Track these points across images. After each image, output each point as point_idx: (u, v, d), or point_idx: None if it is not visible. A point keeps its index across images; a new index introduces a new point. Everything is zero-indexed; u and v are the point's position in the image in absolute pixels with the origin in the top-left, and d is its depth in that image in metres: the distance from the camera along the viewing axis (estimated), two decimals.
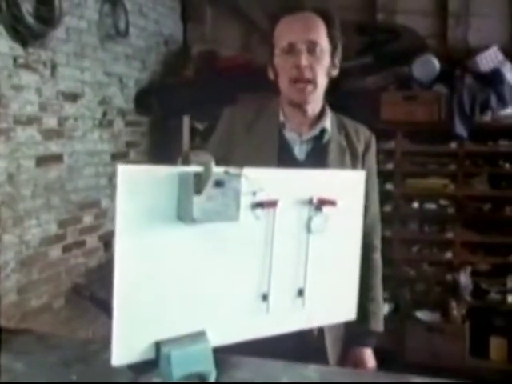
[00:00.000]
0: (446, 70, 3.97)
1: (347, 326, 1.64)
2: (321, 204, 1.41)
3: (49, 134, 3.15)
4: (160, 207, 1.19)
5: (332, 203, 1.42)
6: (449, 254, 3.97)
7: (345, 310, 1.55)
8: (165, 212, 1.20)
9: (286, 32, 1.60)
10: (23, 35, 2.84)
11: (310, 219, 1.41)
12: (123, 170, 1.15)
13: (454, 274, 3.88)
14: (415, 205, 4.02)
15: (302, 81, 1.60)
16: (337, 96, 3.95)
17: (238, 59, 4.44)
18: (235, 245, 1.31)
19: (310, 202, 1.40)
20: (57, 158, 3.22)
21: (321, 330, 1.66)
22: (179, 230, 1.21)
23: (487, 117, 3.81)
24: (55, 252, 3.18)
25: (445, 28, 4.43)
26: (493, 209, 3.87)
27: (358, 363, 1.75)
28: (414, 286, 4.03)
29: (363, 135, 1.78)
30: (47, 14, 2.92)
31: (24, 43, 2.89)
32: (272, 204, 1.34)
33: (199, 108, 4.19)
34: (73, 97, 3.37)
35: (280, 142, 1.67)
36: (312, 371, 1.32)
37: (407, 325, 3.91)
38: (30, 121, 3.00)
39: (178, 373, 1.19)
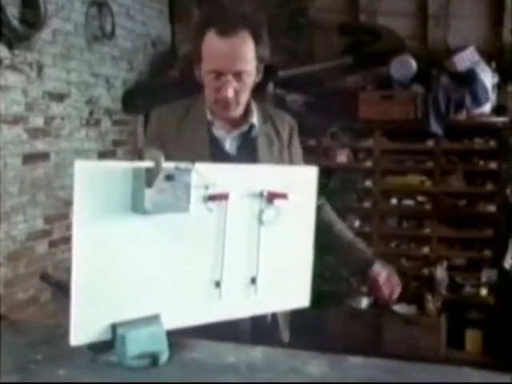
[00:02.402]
0: (423, 70, 4.08)
1: None
2: (272, 197, 1.52)
3: (35, 133, 3.27)
4: (115, 199, 1.30)
5: (283, 196, 1.53)
6: (426, 249, 4.09)
7: (298, 297, 1.66)
8: (120, 204, 1.31)
9: (213, 56, 1.60)
10: (9, 38, 2.96)
11: (261, 212, 1.52)
12: (80, 166, 1.27)
13: (430, 269, 4.00)
14: (394, 201, 4.15)
15: (227, 105, 1.66)
16: (317, 95, 4.10)
17: None
18: (189, 235, 1.43)
19: (261, 195, 1.51)
20: (43, 156, 3.34)
21: (274, 315, 1.75)
22: (134, 221, 1.33)
23: (462, 115, 3.93)
24: (42, 247, 3.31)
25: (425, 29, 4.53)
26: (468, 205, 3.98)
27: (386, 279, 1.90)
28: None
29: (287, 122, 1.84)
30: (32, 18, 3.05)
31: (10, 45, 3.01)
32: (223, 197, 1.45)
33: None
34: (59, 97, 3.48)
35: (210, 139, 1.73)
36: (258, 352, 1.42)
37: (385, 318, 4.03)
38: (17, 120, 3.12)
39: (131, 352, 1.31)
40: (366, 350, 1.40)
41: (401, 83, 4.11)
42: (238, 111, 1.71)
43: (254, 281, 1.54)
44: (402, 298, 4.02)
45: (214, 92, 1.64)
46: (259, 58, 1.66)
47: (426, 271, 4.05)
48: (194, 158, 1.57)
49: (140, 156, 1.34)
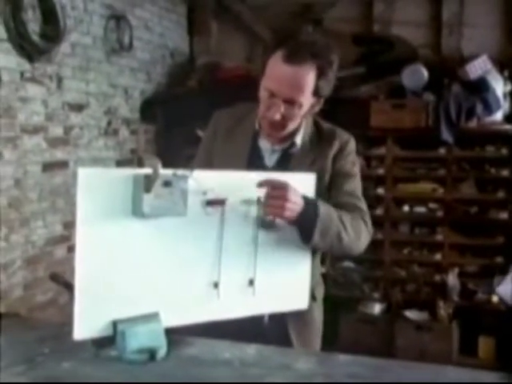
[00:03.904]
0: (436, 79, 4.13)
1: None
2: None
3: (55, 142, 3.40)
4: (117, 204, 1.40)
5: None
6: (438, 256, 4.13)
7: (296, 299, 1.72)
8: (121, 208, 1.41)
9: (272, 77, 1.64)
10: (29, 52, 3.10)
11: (258, 217, 1.60)
12: (83, 172, 1.36)
13: (442, 275, 4.04)
14: (406, 208, 4.20)
15: (272, 126, 1.71)
16: (330, 104, 4.17)
17: (239, 70, 4.65)
18: (188, 237, 1.51)
19: (258, 201, 1.59)
20: (62, 164, 3.47)
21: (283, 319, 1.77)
22: (134, 224, 1.43)
23: (473, 123, 3.97)
24: (60, 251, 3.44)
25: (438, 38, 4.58)
26: (479, 212, 4.01)
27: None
28: (405, 287, 4.19)
29: (339, 139, 1.81)
30: (52, 32, 3.18)
31: (30, 59, 3.15)
32: (220, 202, 1.54)
33: (202, 117, 4.40)
34: (78, 107, 3.62)
35: (253, 148, 1.79)
36: (252, 349, 1.50)
37: (397, 324, 4.07)
38: (37, 130, 3.25)
39: (131, 347, 1.40)
40: (378, 356, 1.43)
41: (413, 92, 4.16)
42: (283, 133, 1.74)
43: (251, 282, 1.61)
44: (414, 304, 4.11)
45: (264, 109, 1.68)
46: (318, 93, 1.67)
47: (437, 278, 4.09)
48: (232, 164, 1.69)
49: (139, 163, 1.43)
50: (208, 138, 1.90)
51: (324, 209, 1.61)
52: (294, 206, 1.53)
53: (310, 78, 1.62)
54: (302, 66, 1.60)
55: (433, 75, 4.11)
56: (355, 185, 1.83)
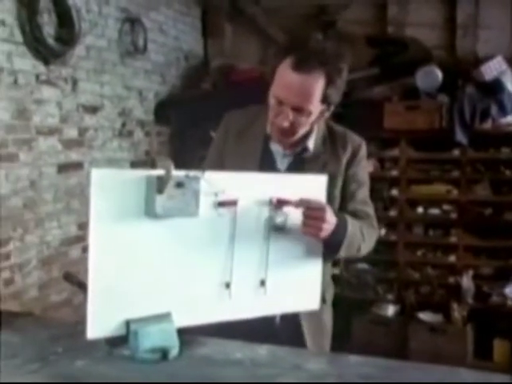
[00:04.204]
0: (450, 80, 4.11)
1: None
2: (280, 204, 1.60)
3: (69, 144, 3.44)
4: (129, 205, 1.41)
5: (292, 203, 1.61)
6: (452, 258, 4.10)
7: (307, 299, 1.73)
8: (133, 209, 1.42)
9: (281, 84, 1.64)
10: (45, 55, 3.14)
11: (270, 218, 1.61)
12: (96, 173, 1.38)
13: (456, 277, 4.01)
14: (420, 210, 4.18)
15: (281, 132, 1.72)
16: (343, 106, 4.17)
17: (253, 72, 4.66)
18: (200, 238, 1.52)
19: (270, 202, 1.60)
20: (77, 166, 3.50)
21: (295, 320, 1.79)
22: (147, 225, 1.44)
23: (488, 125, 3.94)
24: (75, 252, 3.48)
25: (453, 39, 4.56)
26: (494, 214, 3.98)
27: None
28: (419, 289, 4.17)
29: (351, 143, 1.83)
30: (67, 36, 3.22)
31: (46, 61, 3.19)
32: (232, 203, 1.54)
33: (216, 119, 4.43)
34: (93, 109, 3.65)
35: (264, 152, 1.80)
36: (264, 349, 1.50)
37: (411, 326, 4.05)
38: (52, 131, 3.29)
39: (143, 346, 1.41)
40: (392, 358, 1.43)
41: (427, 93, 4.14)
42: (293, 139, 1.75)
43: (263, 283, 1.62)
44: (428, 307, 4.10)
45: (273, 116, 1.69)
46: (327, 101, 1.67)
47: (452, 280, 4.06)
48: (244, 166, 1.71)
49: (153, 164, 1.44)
50: (219, 138, 1.90)
51: (351, 226, 1.67)
52: (330, 226, 1.58)
53: (318, 86, 1.62)
54: (310, 74, 1.61)
55: (447, 76, 4.09)
56: (367, 192, 1.88)
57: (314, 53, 1.62)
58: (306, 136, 1.78)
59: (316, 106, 1.66)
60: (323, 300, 1.80)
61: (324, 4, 4.85)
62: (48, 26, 3.17)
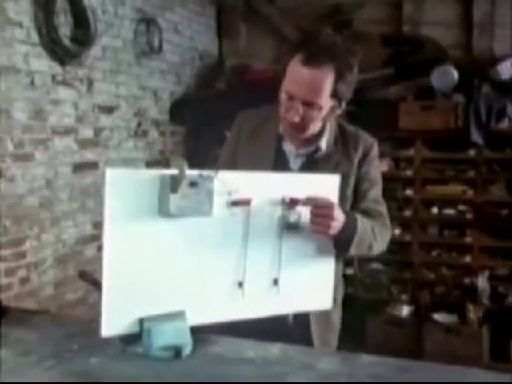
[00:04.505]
0: (466, 80, 4.08)
1: None
2: (293, 204, 1.61)
3: (85, 144, 3.47)
4: (143, 204, 1.42)
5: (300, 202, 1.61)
6: (467, 258, 4.08)
7: (320, 299, 1.73)
8: (147, 208, 1.43)
9: (291, 79, 1.65)
10: (61, 55, 3.17)
11: (283, 217, 1.61)
12: (111, 173, 1.39)
13: (472, 278, 3.99)
14: (434, 210, 4.16)
15: (292, 127, 1.72)
16: (358, 105, 4.16)
17: (267, 72, 4.66)
18: (213, 237, 1.53)
19: (283, 201, 1.60)
20: (92, 165, 3.54)
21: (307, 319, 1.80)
22: (160, 224, 1.44)
23: (504, 124, 3.91)
24: (90, 251, 3.51)
25: (469, 38, 4.52)
26: (510, 214, 3.95)
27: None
28: (434, 289, 4.15)
29: (363, 143, 1.83)
30: (83, 36, 3.26)
31: (62, 62, 3.23)
32: (246, 202, 1.55)
33: (230, 119, 4.44)
34: (108, 109, 3.68)
35: (277, 152, 1.80)
36: (276, 348, 1.51)
37: (425, 326, 4.03)
38: (67, 131, 3.33)
39: (156, 344, 1.42)
40: (406, 359, 1.43)
41: (442, 93, 4.12)
42: (305, 135, 1.75)
43: (276, 282, 1.62)
44: (443, 307, 4.07)
45: (284, 111, 1.70)
46: (337, 96, 1.67)
47: (467, 280, 4.05)
48: (257, 165, 1.71)
49: (167, 164, 1.45)
50: (233, 138, 1.90)
51: (361, 223, 1.66)
52: (338, 223, 1.57)
53: (328, 80, 1.62)
54: (320, 69, 1.61)
55: (463, 76, 4.06)
56: (379, 191, 1.87)
57: (324, 48, 1.63)
58: (319, 136, 1.79)
59: (326, 101, 1.66)
60: (333, 300, 1.80)
61: (339, 3, 4.84)
62: (64, 27, 3.21)
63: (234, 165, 1.82)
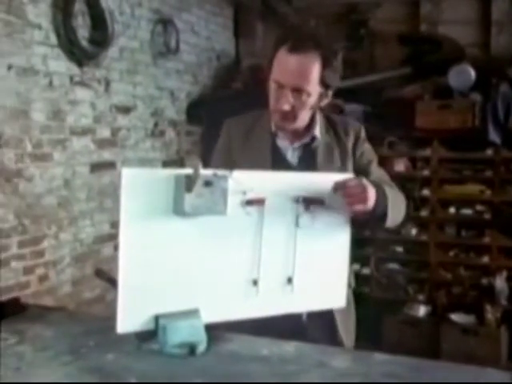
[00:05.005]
0: (484, 78, 4.05)
1: None
2: (308, 203, 1.62)
3: (102, 144, 3.51)
4: (159, 203, 1.44)
5: (319, 202, 1.62)
6: (485, 259, 4.05)
7: (333, 297, 1.74)
8: (163, 207, 1.44)
9: (279, 68, 1.70)
10: (79, 57, 3.21)
11: (298, 216, 1.62)
12: (127, 172, 1.41)
13: (489, 278, 3.96)
14: (452, 210, 4.14)
15: (283, 117, 1.75)
16: (375, 105, 4.15)
17: None
18: (228, 236, 1.54)
19: (298, 200, 1.61)
20: (110, 165, 3.57)
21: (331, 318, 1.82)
22: (175, 223, 1.46)
23: None
24: (108, 250, 3.55)
25: (488, 37, 4.49)
26: None
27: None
28: (451, 289, 4.13)
29: (352, 128, 1.89)
30: (100, 38, 3.29)
31: (79, 63, 3.26)
32: (260, 202, 1.56)
33: None
34: (125, 109, 3.71)
35: (273, 149, 1.83)
36: (291, 346, 1.51)
37: (442, 327, 4.01)
38: (85, 132, 3.36)
39: (172, 341, 1.44)
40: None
41: (460, 92, 4.09)
42: (297, 125, 1.78)
43: (290, 280, 1.63)
44: (460, 308, 4.05)
45: (274, 102, 1.74)
46: (325, 84, 1.72)
47: (485, 281, 4.02)
48: (257, 165, 1.71)
49: (182, 164, 1.47)
50: (224, 146, 1.91)
51: (388, 190, 1.70)
52: (372, 193, 1.60)
53: (315, 66, 1.68)
54: (306, 55, 1.67)
55: (480, 74, 4.04)
56: (379, 168, 1.93)
57: (308, 36, 1.71)
58: (310, 126, 1.82)
59: (314, 88, 1.70)
60: (348, 285, 1.81)
61: (355, 2, 4.83)
62: (82, 28, 3.24)
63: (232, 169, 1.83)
